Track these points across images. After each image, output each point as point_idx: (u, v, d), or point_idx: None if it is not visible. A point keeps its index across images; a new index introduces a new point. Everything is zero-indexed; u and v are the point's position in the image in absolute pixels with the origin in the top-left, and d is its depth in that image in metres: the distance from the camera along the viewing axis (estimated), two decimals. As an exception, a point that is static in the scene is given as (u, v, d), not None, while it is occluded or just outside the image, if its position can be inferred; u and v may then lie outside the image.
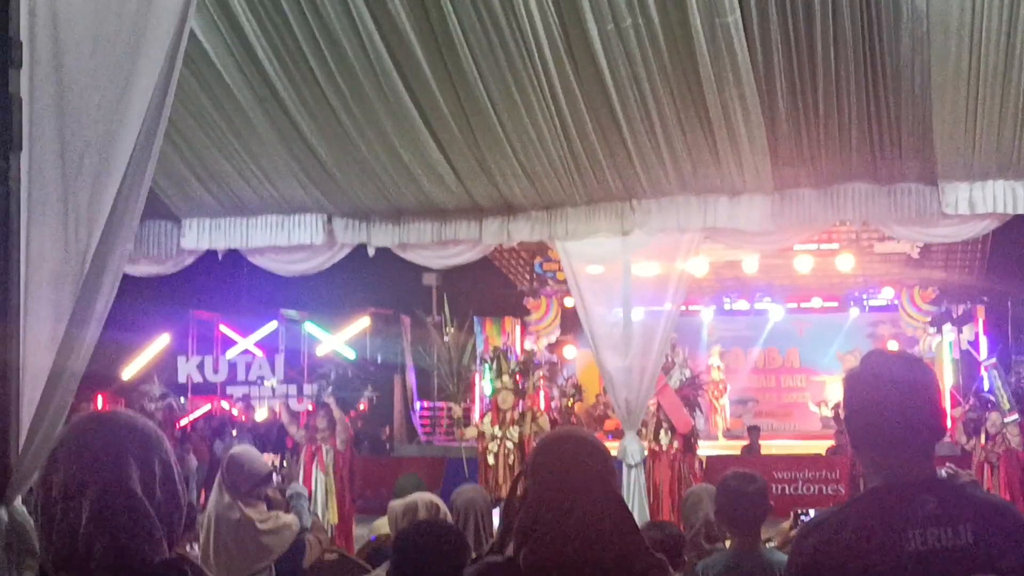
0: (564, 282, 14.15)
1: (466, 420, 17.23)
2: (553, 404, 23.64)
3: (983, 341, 24.87)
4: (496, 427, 14.04)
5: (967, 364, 24.15)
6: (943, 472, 4.24)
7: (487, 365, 15.13)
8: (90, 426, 2.44)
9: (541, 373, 17.20)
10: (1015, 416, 14.30)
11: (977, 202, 10.83)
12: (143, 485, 2.35)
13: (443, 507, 6.00)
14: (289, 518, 6.64)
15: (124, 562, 2.25)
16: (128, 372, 25.15)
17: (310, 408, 16.12)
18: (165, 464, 2.45)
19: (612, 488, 3.25)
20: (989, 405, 14.81)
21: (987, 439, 14.13)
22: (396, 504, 6.15)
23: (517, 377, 14.62)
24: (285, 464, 8.59)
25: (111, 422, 2.46)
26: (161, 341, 26.32)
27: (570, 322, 24.77)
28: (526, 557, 3.09)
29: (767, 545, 6.03)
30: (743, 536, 5.16)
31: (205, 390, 26.44)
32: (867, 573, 2.69)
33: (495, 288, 26.26)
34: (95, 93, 5.15)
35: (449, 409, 18.53)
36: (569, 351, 27.32)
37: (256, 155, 11.50)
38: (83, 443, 2.38)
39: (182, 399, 25.11)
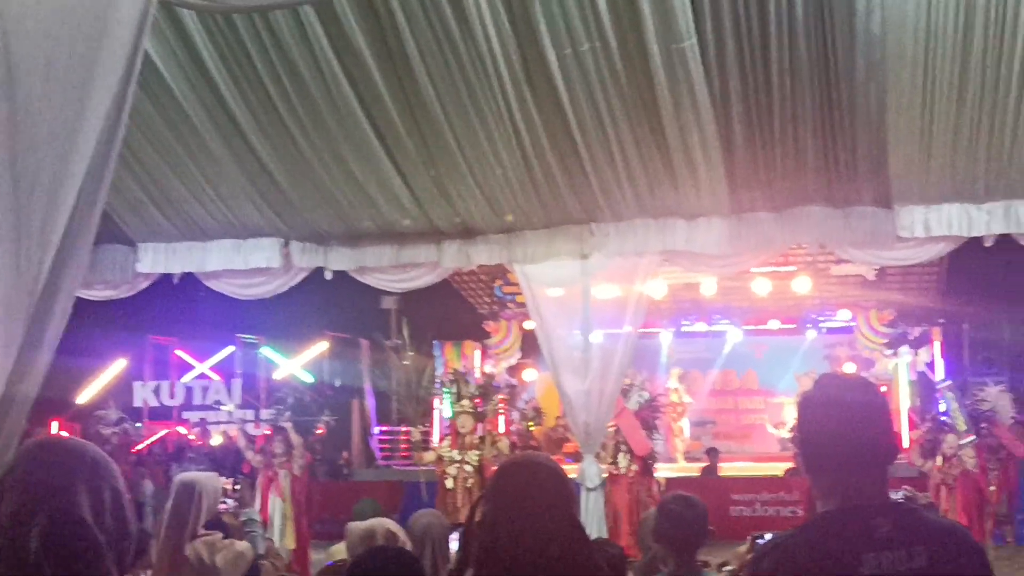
0: (524, 305, 14.14)
1: (425, 444, 17.17)
2: (513, 427, 23.59)
3: (939, 363, 25.02)
4: (455, 451, 14.00)
5: (923, 386, 24.27)
6: (900, 495, 4.26)
7: (446, 389, 15.06)
8: (39, 453, 2.41)
9: (501, 396, 17.18)
10: (971, 438, 14.38)
11: (932, 225, 10.90)
12: (93, 513, 2.32)
13: (401, 534, 5.96)
14: (243, 546, 6.56)
15: None
16: (83, 397, 24.93)
17: (267, 433, 16.00)
18: (115, 491, 2.41)
19: (569, 512, 3.24)
20: (945, 427, 14.86)
21: (943, 461, 14.19)
22: (354, 529, 6.10)
23: (476, 401, 14.59)
24: (239, 488, 8.53)
25: (60, 449, 2.43)
26: (117, 366, 26.11)
27: (530, 345, 24.72)
28: None
29: (724, 569, 6.05)
30: (681, 559, 5.17)
31: (161, 415, 26.25)
32: (823, 596, 2.69)
33: (455, 311, 26.20)
34: (48, 116, 5.10)
35: (408, 433, 18.48)
36: (529, 374, 27.27)
37: (212, 179, 11.47)
38: (32, 470, 2.35)
39: (138, 424, 24.87)
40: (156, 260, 12.91)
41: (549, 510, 3.16)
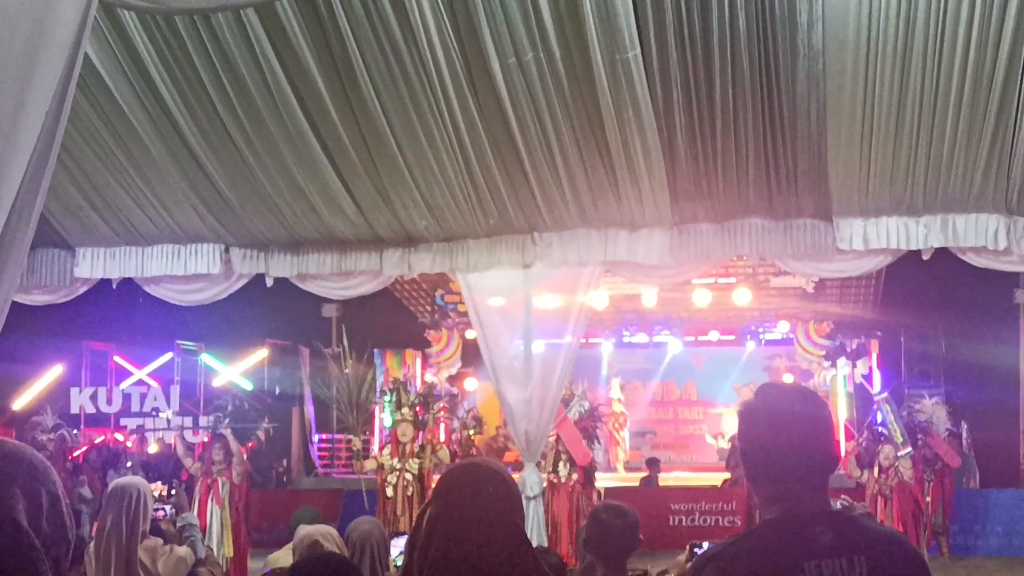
0: (466, 314, 14.15)
1: (365, 453, 17.08)
2: (453, 436, 23.53)
3: (877, 375, 25.28)
4: (395, 459, 13.95)
5: (861, 397, 24.48)
6: (838, 504, 4.28)
7: (387, 397, 15.00)
8: None
9: (441, 405, 17.12)
10: (908, 450, 14.53)
11: (871, 238, 11.02)
12: (29, 517, 2.28)
13: (339, 541, 5.93)
14: (184, 551, 6.51)
15: None
16: (19, 403, 24.60)
17: (206, 440, 15.87)
18: (52, 496, 2.37)
19: (514, 520, 3.23)
20: (882, 438, 15.00)
21: (880, 472, 14.32)
22: (297, 535, 6.06)
23: (417, 409, 14.55)
24: (175, 494, 8.45)
25: None
26: (54, 372, 25.80)
27: (471, 354, 24.72)
28: None
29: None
30: (609, 568, 5.18)
31: (98, 421, 25.92)
32: (763, 604, 2.69)
33: (396, 320, 26.15)
34: (-15, 116, 5.03)
35: (348, 441, 18.38)
36: (470, 383, 27.26)
37: (153, 184, 11.38)
38: None
39: (75, 430, 24.56)
40: (95, 265, 12.79)
41: (495, 515, 3.15)
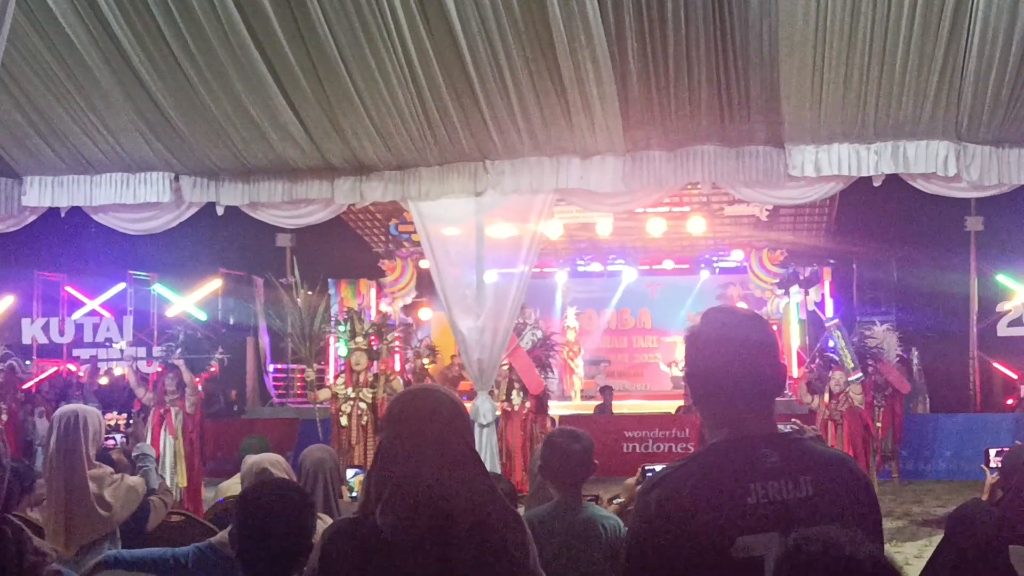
0: (419, 244, 14.10)
1: (320, 383, 17.08)
2: (408, 366, 23.60)
3: (829, 302, 25.52)
4: (349, 389, 13.95)
5: (813, 325, 24.71)
6: (788, 427, 4.33)
7: (341, 327, 14.97)
8: None
9: (395, 335, 17.11)
10: (858, 375, 14.66)
11: (823, 165, 11.06)
12: None
13: (289, 469, 5.93)
14: (135, 480, 6.48)
15: None
16: (-31, 334, 24.44)
17: (159, 370, 15.79)
18: None
19: (467, 441, 3.24)
20: (833, 364, 15.14)
21: (831, 398, 14.46)
22: (245, 463, 6.05)
23: (371, 339, 14.53)
24: (131, 424, 8.42)
25: None
26: (4, 302, 25.59)
27: (426, 284, 24.77)
28: (382, 511, 3.07)
29: (614, 501, 6.11)
30: (565, 491, 5.23)
31: (51, 352, 25.80)
32: (710, 526, 2.71)
33: (350, 250, 26.12)
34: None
35: (302, 371, 18.36)
36: (424, 313, 27.33)
37: (100, 111, 11.23)
38: None
39: (27, 361, 24.43)
40: (43, 194, 12.64)
41: (448, 436, 3.16)
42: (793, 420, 8.03)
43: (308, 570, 3.31)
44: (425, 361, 22.54)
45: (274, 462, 5.77)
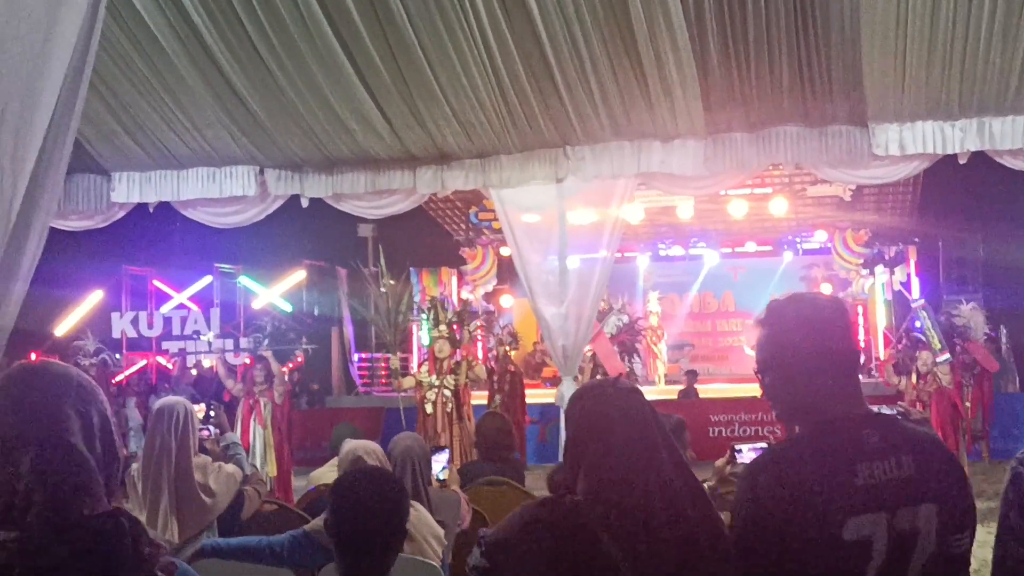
0: (500, 231, 14.14)
1: (404, 371, 17.18)
2: (491, 353, 23.68)
3: (915, 282, 25.17)
4: (433, 376, 14.02)
5: (899, 305, 24.39)
6: (895, 409, 4.30)
7: (424, 315, 15.06)
8: (26, 377, 2.38)
9: (478, 322, 17.19)
10: (946, 356, 14.47)
11: (907, 143, 10.93)
12: (83, 437, 2.31)
13: (383, 456, 5.99)
14: (231, 468, 6.57)
15: (62, 515, 2.21)
16: (61, 329, 24.81)
17: (247, 362, 16.00)
18: (103, 416, 2.39)
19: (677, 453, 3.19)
20: (920, 345, 14.95)
21: (918, 379, 14.29)
22: (343, 448, 6.12)
23: (454, 326, 14.60)
24: (214, 414, 8.56)
25: (47, 373, 2.40)
26: (94, 297, 25.94)
27: (507, 271, 24.80)
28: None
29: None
30: None
31: (140, 346, 26.13)
32: (821, 509, 2.68)
33: (431, 238, 26.20)
34: (15, 44, 5.03)
35: (387, 360, 18.50)
36: (506, 300, 27.35)
37: (186, 107, 11.40)
38: (20, 395, 2.32)
39: (117, 355, 24.78)
40: (131, 189, 12.86)
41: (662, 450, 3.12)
42: (899, 403, 7.95)
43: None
44: (508, 348, 22.59)
45: (370, 450, 5.83)
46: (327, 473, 7.61)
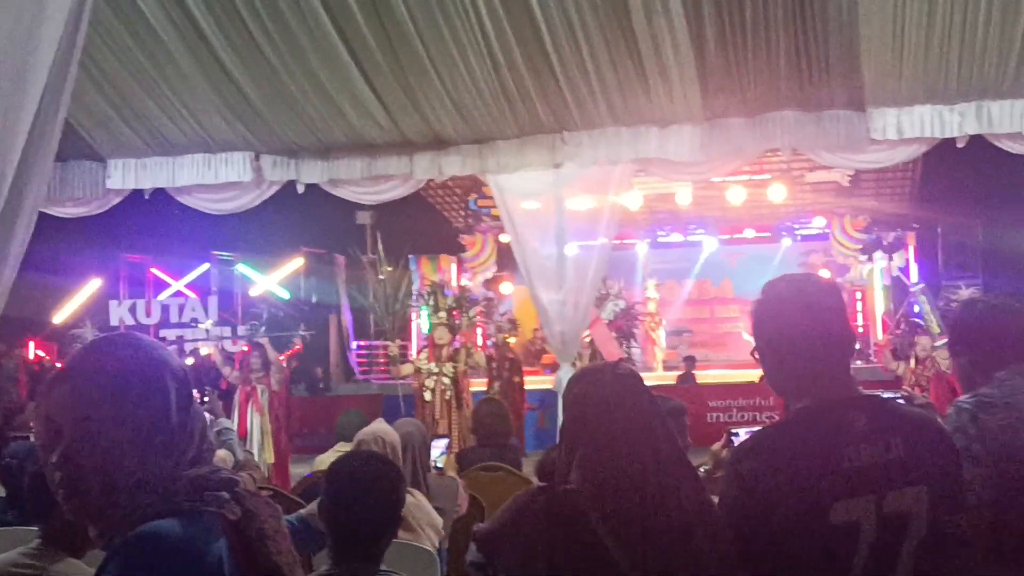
0: (499, 218, 14.11)
1: (403, 358, 17.18)
2: (490, 340, 23.68)
3: (914, 267, 25.20)
4: (432, 363, 14.02)
5: (898, 290, 24.43)
6: (897, 394, 4.27)
7: (423, 302, 15.06)
8: (124, 351, 2.29)
9: (477, 309, 17.19)
10: (944, 340, 14.45)
11: (905, 127, 10.89)
12: (178, 406, 2.26)
13: (397, 444, 5.91)
14: (223, 453, 6.57)
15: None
16: (59, 316, 24.84)
17: (245, 349, 15.99)
18: (183, 381, 2.34)
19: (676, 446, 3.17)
20: (918, 330, 14.95)
21: (917, 363, 14.28)
22: (356, 439, 6.05)
23: (453, 313, 14.60)
24: (207, 400, 8.52)
25: (141, 344, 2.32)
26: (92, 285, 25.96)
27: (506, 258, 24.79)
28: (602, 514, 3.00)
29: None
30: None
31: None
32: (808, 493, 2.68)
33: (430, 226, 26.19)
34: (5, 21, 4.98)
35: (386, 347, 18.50)
36: (505, 287, 27.35)
37: (180, 93, 11.34)
38: (119, 369, 2.24)
39: (115, 343, 24.75)
40: (126, 176, 12.80)
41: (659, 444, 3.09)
42: (904, 388, 7.91)
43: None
44: (507, 335, 22.58)
45: (378, 438, 5.77)
46: (331, 459, 7.60)
